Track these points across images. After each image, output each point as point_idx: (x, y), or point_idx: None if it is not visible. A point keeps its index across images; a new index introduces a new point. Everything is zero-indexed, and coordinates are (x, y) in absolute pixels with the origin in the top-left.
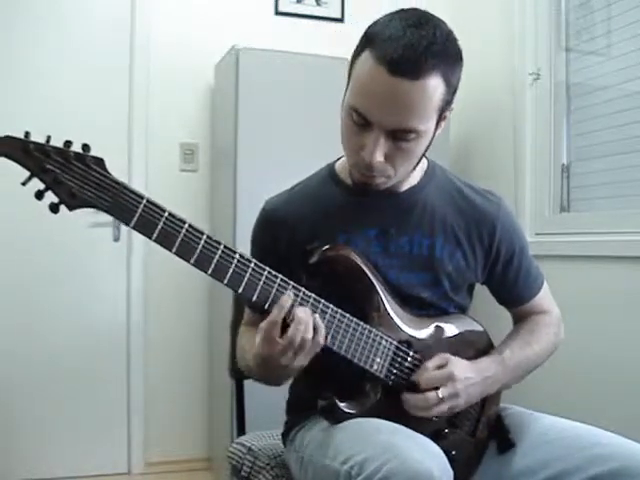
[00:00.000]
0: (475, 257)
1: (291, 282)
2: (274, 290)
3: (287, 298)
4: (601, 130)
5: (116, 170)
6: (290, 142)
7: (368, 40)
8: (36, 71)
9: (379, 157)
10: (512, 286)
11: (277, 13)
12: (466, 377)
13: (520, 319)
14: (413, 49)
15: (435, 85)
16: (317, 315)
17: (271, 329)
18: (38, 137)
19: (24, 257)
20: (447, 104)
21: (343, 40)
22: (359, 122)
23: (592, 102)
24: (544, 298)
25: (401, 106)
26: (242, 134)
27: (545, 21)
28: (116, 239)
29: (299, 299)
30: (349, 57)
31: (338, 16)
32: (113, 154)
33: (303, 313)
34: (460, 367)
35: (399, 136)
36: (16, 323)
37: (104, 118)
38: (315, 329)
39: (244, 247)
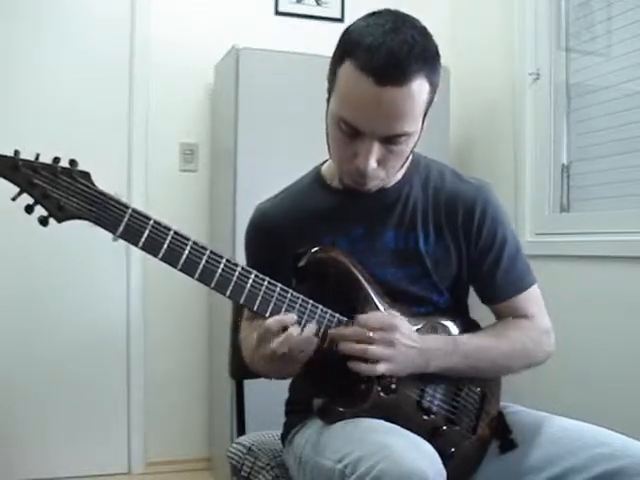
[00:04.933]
0: (458, 245)
1: (279, 284)
2: (261, 293)
3: (292, 316)
4: (601, 130)
5: (116, 170)
6: (290, 142)
7: (347, 49)
8: (36, 72)
9: (373, 164)
10: (489, 279)
11: (277, 13)
12: (408, 335)
13: (499, 319)
14: (395, 56)
15: (420, 87)
16: (310, 327)
17: (264, 334)
18: (38, 138)
19: (23, 257)
20: (431, 101)
21: None
22: (349, 132)
23: (592, 102)
24: (530, 302)
25: (391, 113)
26: (242, 134)
27: (545, 21)
28: (115, 239)
29: (287, 300)
30: None
31: (338, 16)
32: (113, 154)
33: (294, 331)
34: (406, 326)
35: (391, 140)
36: (16, 323)
37: (104, 118)
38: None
39: (243, 246)
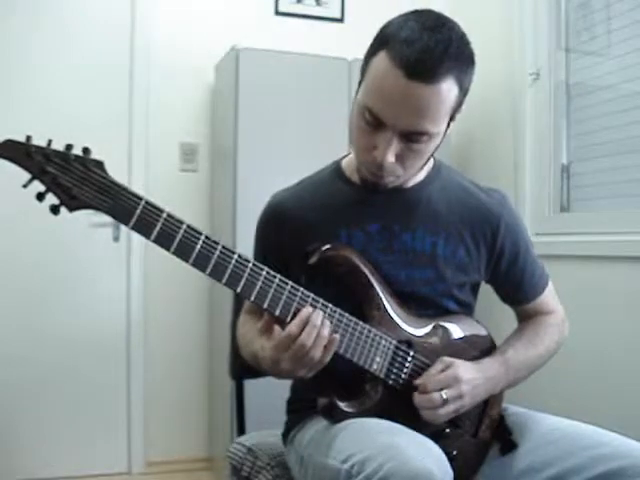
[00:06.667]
0: (479, 254)
1: (289, 282)
2: (272, 290)
3: (307, 311)
4: (601, 130)
5: (116, 170)
6: (290, 142)
7: (384, 40)
8: (36, 72)
9: (391, 158)
10: (517, 285)
11: (277, 13)
12: (472, 377)
13: (525, 318)
14: (430, 53)
15: (449, 88)
16: (334, 334)
17: (286, 341)
18: (38, 138)
19: (24, 257)
20: (459, 106)
21: (343, 40)
22: (372, 122)
23: (592, 102)
24: (549, 297)
25: (416, 109)
26: (242, 134)
27: (545, 21)
28: (116, 239)
29: (298, 298)
30: (349, 57)
31: (338, 16)
32: (113, 154)
33: (326, 331)
34: (464, 368)
35: (411, 138)
36: (16, 323)
37: (104, 118)
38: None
39: (244, 246)
